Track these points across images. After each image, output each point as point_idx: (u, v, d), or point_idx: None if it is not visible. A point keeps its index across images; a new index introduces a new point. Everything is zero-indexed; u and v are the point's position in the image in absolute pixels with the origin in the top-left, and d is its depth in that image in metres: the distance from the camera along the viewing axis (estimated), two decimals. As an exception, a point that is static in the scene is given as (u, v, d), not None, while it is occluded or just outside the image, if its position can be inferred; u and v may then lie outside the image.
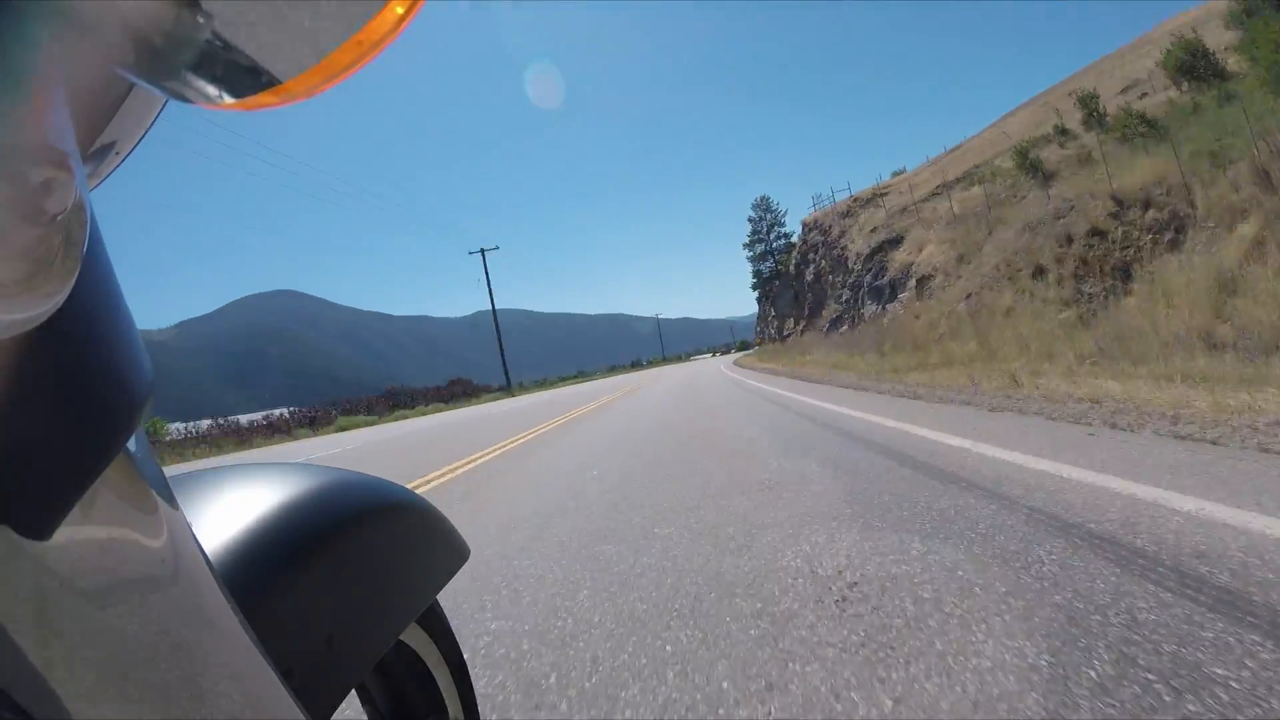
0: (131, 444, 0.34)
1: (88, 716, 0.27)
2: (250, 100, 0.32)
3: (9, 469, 0.26)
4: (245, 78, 0.30)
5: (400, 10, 0.31)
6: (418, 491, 1.15)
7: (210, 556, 0.44)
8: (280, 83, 0.31)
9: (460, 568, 0.96)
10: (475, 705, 1.05)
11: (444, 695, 0.98)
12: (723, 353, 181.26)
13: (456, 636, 1.03)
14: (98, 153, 0.36)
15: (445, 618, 1.01)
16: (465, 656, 1.05)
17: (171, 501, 0.39)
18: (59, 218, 0.26)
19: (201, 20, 0.28)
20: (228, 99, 0.31)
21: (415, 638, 0.92)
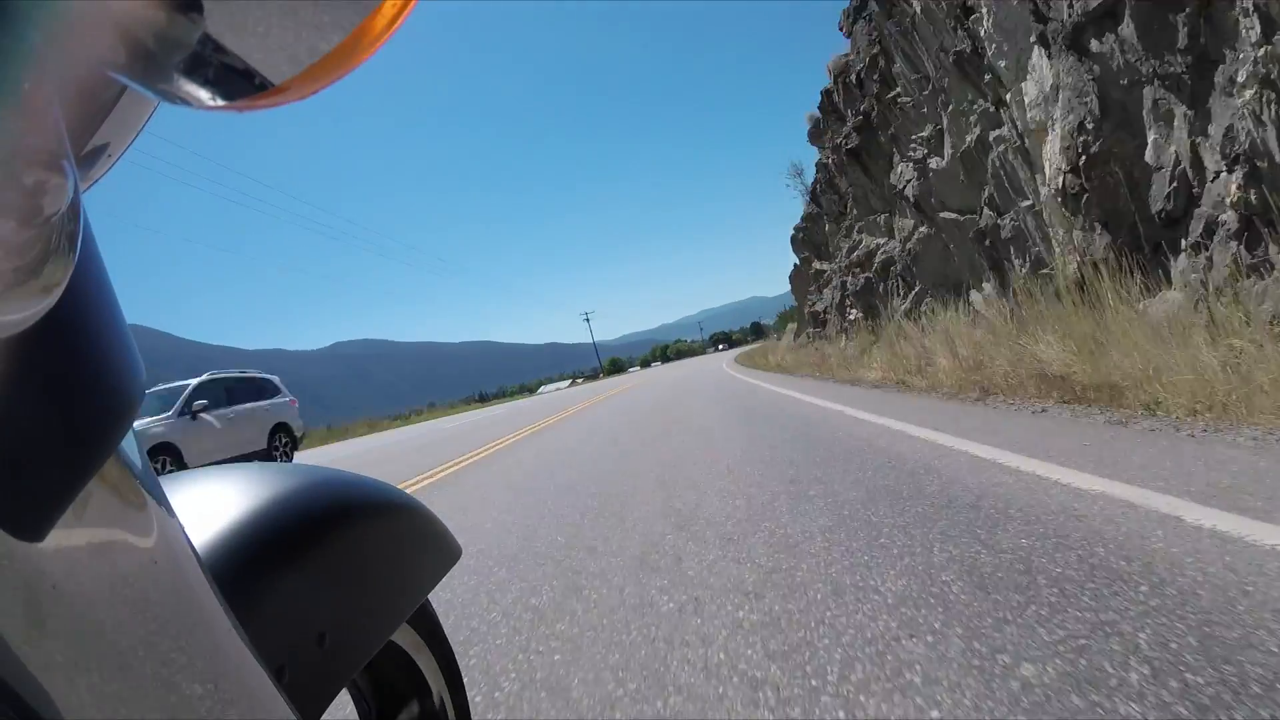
0: (124, 445, 0.35)
1: (81, 715, 0.27)
2: (242, 103, 0.32)
3: (2, 470, 0.26)
4: (238, 80, 0.30)
5: (392, 12, 0.31)
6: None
7: (202, 556, 0.44)
8: (273, 85, 0.31)
9: (451, 568, 0.96)
10: (467, 706, 1.05)
11: (435, 695, 0.97)
12: (588, 379, 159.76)
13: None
14: (90, 155, 0.36)
15: (436, 617, 1.00)
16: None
17: (163, 502, 0.39)
18: (52, 219, 0.26)
19: (194, 23, 0.28)
20: (220, 101, 0.31)
21: (407, 638, 0.92)
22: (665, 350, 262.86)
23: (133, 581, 0.33)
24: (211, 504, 0.67)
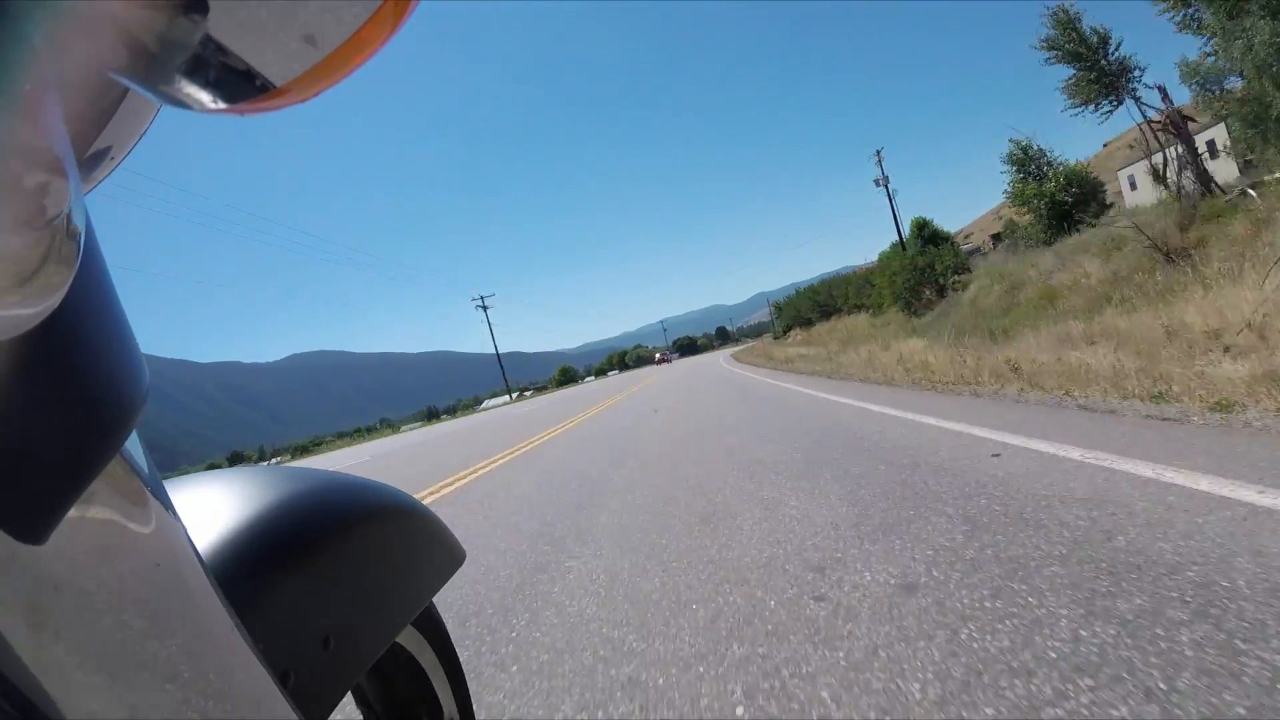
0: (127, 447, 0.35)
1: (84, 717, 0.27)
2: (244, 105, 0.32)
3: (4, 472, 0.26)
4: (240, 82, 0.30)
5: (393, 14, 0.31)
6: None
7: (206, 559, 0.44)
8: (274, 87, 0.31)
9: (455, 571, 0.96)
10: (471, 707, 1.05)
11: (439, 697, 0.97)
12: (532, 391, 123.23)
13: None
14: (93, 157, 0.35)
15: (441, 620, 1.00)
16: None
17: (167, 504, 0.39)
18: (55, 221, 0.26)
19: (196, 24, 0.28)
20: (221, 104, 0.31)
21: (411, 640, 0.92)
22: (623, 357, 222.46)
23: (135, 584, 0.33)
24: (216, 507, 0.67)
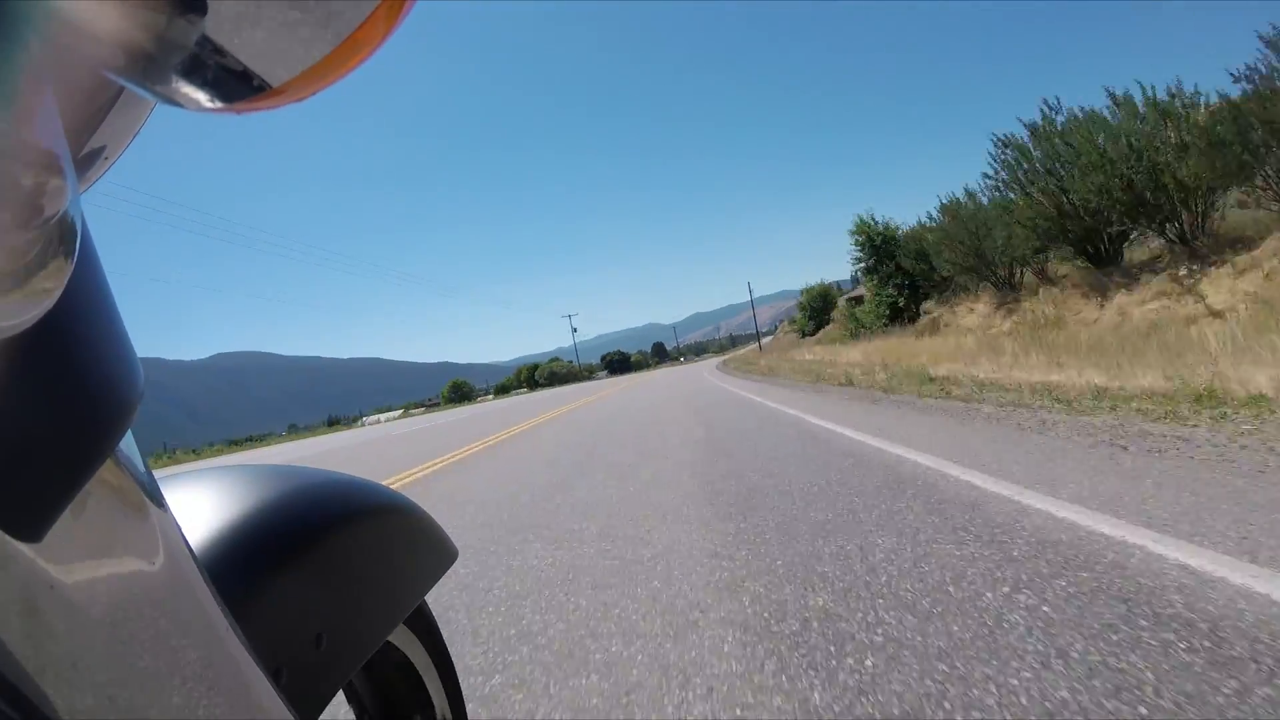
0: (123, 446, 0.35)
1: (79, 716, 0.27)
2: (240, 104, 0.32)
3: (1, 470, 0.26)
4: (236, 82, 0.30)
5: (390, 14, 0.31)
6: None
7: (199, 557, 0.44)
8: (271, 87, 0.31)
9: (448, 569, 0.96)
10: (463, 705, 1.05)
11: (431, 695, 0.98)
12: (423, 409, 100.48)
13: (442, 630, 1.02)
14: (88, 156, 0.36)
15: (433, 618, 1.00)
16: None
17: (161, 503, 0.39)
18: (50, 221, 0.26)
19: (193, 24, 0.28)
20: (218, 103, 0.32)
21: (403, 638, 0.93)
22: (533, 372, 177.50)
23: (130, 582, 0.33)
24: (209, 506, 0.67)
